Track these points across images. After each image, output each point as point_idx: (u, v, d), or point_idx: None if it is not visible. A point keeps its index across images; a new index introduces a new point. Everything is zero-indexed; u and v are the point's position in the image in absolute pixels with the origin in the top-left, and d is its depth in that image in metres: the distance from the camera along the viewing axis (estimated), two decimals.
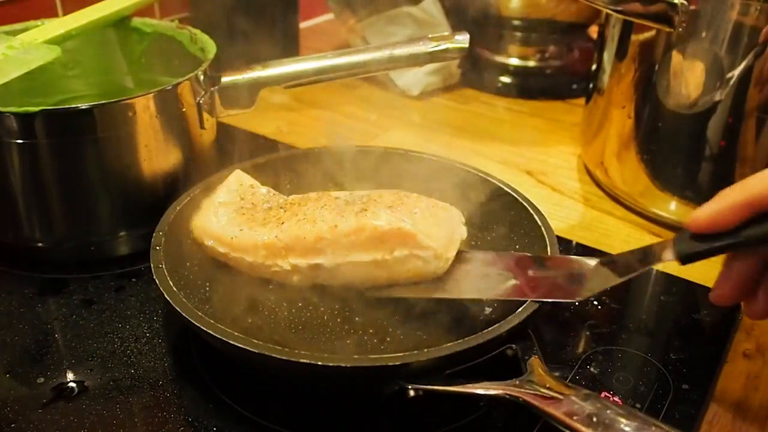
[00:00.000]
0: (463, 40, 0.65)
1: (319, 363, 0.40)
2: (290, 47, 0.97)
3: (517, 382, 0.42)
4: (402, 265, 0.49)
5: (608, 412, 0.39)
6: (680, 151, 0.65)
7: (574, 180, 0.77)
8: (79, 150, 0.54)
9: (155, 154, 0.57)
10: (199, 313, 0.44)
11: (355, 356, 0.42)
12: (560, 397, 0.40)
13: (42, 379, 0.48)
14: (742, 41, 0.58)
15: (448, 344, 0.42)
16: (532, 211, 0.56)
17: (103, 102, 0.53)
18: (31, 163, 0.54)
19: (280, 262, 0.51)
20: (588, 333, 0.54)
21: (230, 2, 0.84)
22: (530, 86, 0.97)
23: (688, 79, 0.62)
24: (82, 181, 0.56)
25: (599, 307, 0.56)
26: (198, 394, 0.47)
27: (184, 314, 0.44)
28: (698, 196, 0.64)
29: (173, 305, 0.45)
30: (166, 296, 0.45)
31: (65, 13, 0.70)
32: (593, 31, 0.97)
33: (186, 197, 0.56)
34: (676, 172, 0.66)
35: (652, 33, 0.63)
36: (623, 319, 0.55)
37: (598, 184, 0.74)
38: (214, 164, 0.64)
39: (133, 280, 0.57)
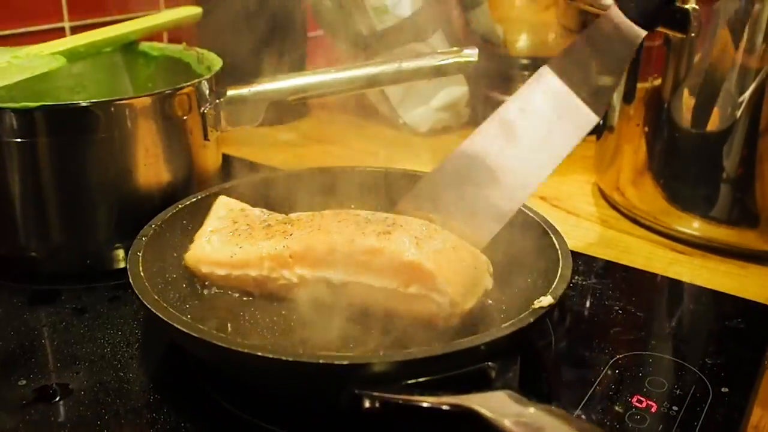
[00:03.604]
0: (471, 54, 0.64)
1: (259, 354, 0.37)
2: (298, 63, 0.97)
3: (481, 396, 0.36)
4: (413, 304, 0.45)
5: None
6: (698, 174, 0.63)
7: (589, 204, 0.74)
8: (77, 150, 0.53)
9: (154, 160, 0.56)
10: (158, 299, 0.42)
11: (301, 352, 0.38)
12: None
13: (24, 381, 0.44)
14: (756, 52, 0.57)
15: (407, 351, 0.39)
16: (543, 225, 0.52)
17: (102, 100, 0.52)
18: (29, 163, 0.53)
19: (287, 273, 0.47)
20: (613, 339, 0.50)
21: (237, 24, 0.85)
22: None
23: (701, 103, 0.61)
24: (80, 184, 0.54)
25: (623, 314, 0.53)
26: (189, 396, 0.44)
27: (138, 292, 0.42)
28: (722, 214, 0.62)
29: (132, 284, 0.43)
30: (129, 278, 0.44)
31: None
32: None
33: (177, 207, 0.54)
34: (696, 194, 0.64)
35: (658, 80, 0.63)
36: (650, 326, 0.52)
37: (615, 207, 0.72)
38: (218, 182, 0.62)
39: (128, 291, 0.53)
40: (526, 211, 0.54)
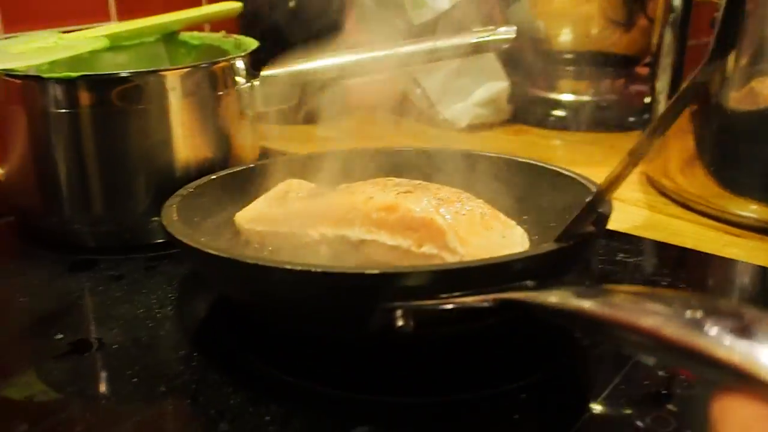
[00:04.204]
0: (507, 31, 0.63)
1: (287, 267, 0.36)
2: None
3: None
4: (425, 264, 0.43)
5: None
6: (753, 158, 0.61)
7: (636, 191, 0.72)
8: (117, 121, 0.54)
9: (190, 134, 0.57)
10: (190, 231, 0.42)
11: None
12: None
13: (60, 336, 0.45)
14: None
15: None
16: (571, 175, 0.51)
17: (139, 70, 0.53)
18: (72, 134, 0.54)
19: (311, 231, 0.47)
20: None
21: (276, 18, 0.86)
22: (584, 120, 0.94)
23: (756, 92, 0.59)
24: (119, 155, 0.55)
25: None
26: (218, 351, 0.44)
27: (165, 224, 0.43)
28: None
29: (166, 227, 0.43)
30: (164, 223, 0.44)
31: None
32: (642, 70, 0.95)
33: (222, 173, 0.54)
34: (751, 177, 0.61)
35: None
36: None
37: (664, 194, 0.69)
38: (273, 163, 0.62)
39: (165, 261, 0.55)
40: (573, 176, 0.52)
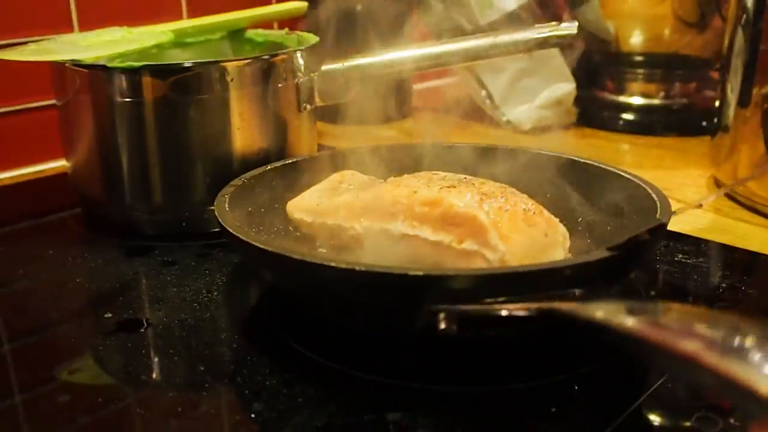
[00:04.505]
0: (570, 26, 0.62)
1: (333, 264, 0.36)
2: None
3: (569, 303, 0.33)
4: (465, 261, 0.42)
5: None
6: None
7: (701, 194, 0.69)
8: (178, 110, 0.55)
9: (249, 125, 0.58)
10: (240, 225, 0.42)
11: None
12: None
13: (110, 315, 0.46)
14: None
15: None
16: (639, 182, 0.49)
17: (200, 61, 0.55)
18: (135, 123, 0.56)
19: (356, 224, 0.47)
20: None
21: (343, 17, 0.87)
22: (655, 123, 0.91)
23: None
24: (179, 145, 0.56)
25: (730, 292, 0.48)
26: (261, 336, 0.44)
27: (219, 217, 0.43)
28: None
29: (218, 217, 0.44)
30: (216, 214, 0.44)
31: None
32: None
33: (277, 164, 0.55)
34: None
35: None
36: (760, 303, 0.47)
37: (732, 198, 0.66)
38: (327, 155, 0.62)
39: (217, 249, 0.56)
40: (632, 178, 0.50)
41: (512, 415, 0.36)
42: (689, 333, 0.26)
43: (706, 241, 0.56)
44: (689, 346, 0.25)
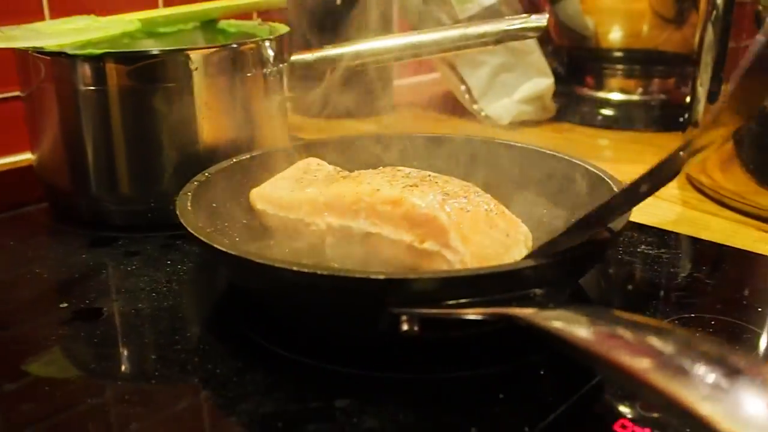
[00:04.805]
0: (540, 19, 0.61)
1: (294, 268, 0.35)
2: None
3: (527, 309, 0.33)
4: (426, 261, 0.42)
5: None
6: None
7: (672, 187, 0.69)
8: (143, 99, 0.55)
9: (215, 115, 0.57)
10: (202, 226, 0.42)
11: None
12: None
13: (65, 305, 0.46)
14: None
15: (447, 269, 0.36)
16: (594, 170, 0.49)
17: (166, 49, 0.54)
18: (100, 112, 0.55)
19: (318, 220, 0.47)
20: (674, 302, 0.46)
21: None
22: (633, 119, 0.91)
23: None
24: (145, 134, 0.56)
25: (690, 281, 0.48)
26: (219, 326, 0.44)
27: (180, 216, 0.43)
28: None
29: (178, 213, 0.43)
30: (177, 213, 0.44)
31: None
32: None
33: (242, 157, 0.55)
34: None
35: None
36: (719, 293, 0.47)
37: (700, 191, 0.66)
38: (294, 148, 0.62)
39: (182, 240, 0.55)
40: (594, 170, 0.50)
41: (459, 402, 0.36)
42: (641, 350, 0.27)
43: (671, 233, 0.56)
44: (639, 364, 0.26)
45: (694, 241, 0.55)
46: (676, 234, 0.56)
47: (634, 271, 0.50)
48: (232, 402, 0.36)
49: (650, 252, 0.52)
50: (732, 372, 0.24)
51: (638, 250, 0.52)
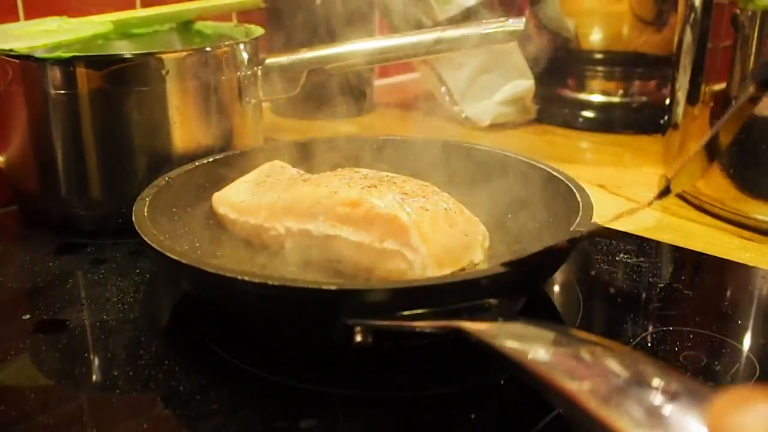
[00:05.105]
0: (516, 23, 0.61)
1: (246, 278, 0.35)
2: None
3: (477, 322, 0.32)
4: (386, 261, 0.41)
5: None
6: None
7: (652, 192, 0.68)
8: (115, 103, 0.54)
9: (188, 118, 0.56)
10: (156, 233, 0.41)
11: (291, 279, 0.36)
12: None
13: (28, 316, 0.45)
14: None
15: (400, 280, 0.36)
16: (564, 179, 0.49)
17: (137, 53, 0.53)
18: (70, 116, 0.54)
19: (278, 224, 0.46)
20: (651, 313, 0.45)
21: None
22: (614, 121, 0.90)
23: None
24: (116, 138, 0.55)
25: (667, 292, 0.47)
26: (182, 340, 0.43)
27: (137, 226, 0.42)
28: None
29: (134, 221, 0.43)
30: (133, 219, 0.43)
31: None
32: None
33: (204, 160, 0.53)
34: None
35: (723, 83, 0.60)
36: (697, 305, 0.46)
37: (681, 197, 0.66)
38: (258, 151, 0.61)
39: None
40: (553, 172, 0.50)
41: (430, 421, 0.35)
42: (579, 372, 0.26)
43: (650, 241, 0.55)
44: (574, 386, 0.25)
45: (674, 249, 0.54)
46: (657, 242, 0.55)
47: (612, 281, 0.49)
48: (195, 420, 0.35)
49: (629, 261, 0.51)
50: (670, 396, 0.23)
51: (616, 259, 0.51)
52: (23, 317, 0.44)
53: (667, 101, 0.69)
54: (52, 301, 0.46)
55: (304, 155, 0.56)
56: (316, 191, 0.44)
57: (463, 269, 0.41)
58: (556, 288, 0.49)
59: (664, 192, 0.50)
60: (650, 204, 0.45)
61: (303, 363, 0.39)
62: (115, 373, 0.39)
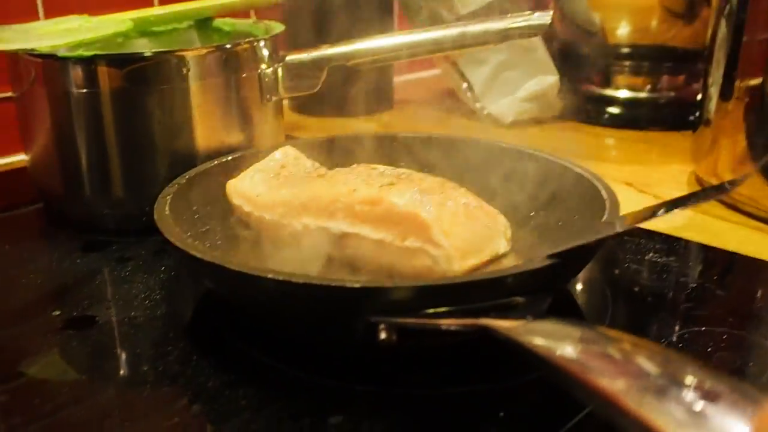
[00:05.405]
0: (543, 17, 0.60)
1: (269, 276, 0.34)
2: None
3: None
4: (409, 258, 0.41)
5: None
6: None
7: (681, 191, 0.67)
8: (136, 101, 0.54)
9: (210, 116, 0.56)
10: (179, 230, 0.41)
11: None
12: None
13: (58, 312, 0.45)
14: None
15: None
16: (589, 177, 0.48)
17: (158, 51, 0.53)
18: (92, 115, 0.54)
19: (294, 221, 0.46)
20: (682, 314, 0.44)
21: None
22: (641, 117, 0.89)
23: None
24: (139, 136, 0.55)
25: (699, 292, 0.47)
26: (208, 336, 0.43)
27: (159, 223, 0.42)
28: None
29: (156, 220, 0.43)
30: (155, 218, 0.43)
31: None
32: None
33: (224, 158, 0.53)
34: None
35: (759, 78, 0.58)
36: (730, 305, 0.45)
37: None
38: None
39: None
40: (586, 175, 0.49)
41: (458, 420, 0.35)
42: (615, 370, 0.26)
43: (680, 240, 0.54)
44: (611, 386, 0.25)
45: (705, 248, 0.53)
46: (686, 241, 0.54)
47: (641, 281, 0.48)
48: (223, 417, 0.35)
49: (658, 260, 0.50)
50: (711, 396, 0.22)
51: (646, 258, 0.50)
52: (53, 313, 0.45)
53: (698, 97, 0.68)
54: (80, 298, 0.47)
55: (326, 153, 0.55)
56: (333, 189, 0.44)
57: (488, 261, 0.41)
58: (579, 287, 0.48)
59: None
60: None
61: (329, 359, 0.39)
62: (144, 369, 0.39)
